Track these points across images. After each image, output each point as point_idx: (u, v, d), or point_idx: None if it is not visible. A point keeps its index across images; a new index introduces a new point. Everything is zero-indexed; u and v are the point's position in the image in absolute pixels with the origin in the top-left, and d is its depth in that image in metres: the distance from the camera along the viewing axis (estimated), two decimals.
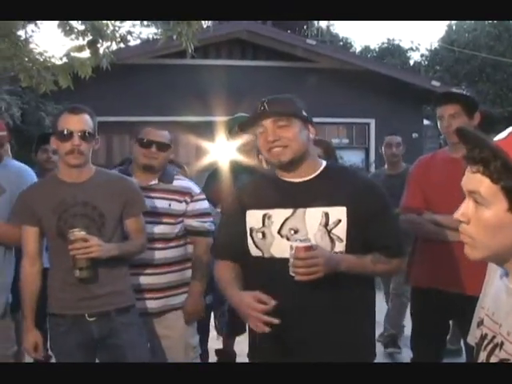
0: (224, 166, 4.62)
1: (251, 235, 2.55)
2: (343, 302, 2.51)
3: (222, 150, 5.01)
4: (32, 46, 4.56)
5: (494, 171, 1.36)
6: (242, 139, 4.36)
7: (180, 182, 3.63)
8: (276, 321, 2.28)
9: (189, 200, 3.57)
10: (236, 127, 4.73)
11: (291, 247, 2.31)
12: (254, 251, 2.55)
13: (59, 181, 3.11)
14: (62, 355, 3.16)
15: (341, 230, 2.45)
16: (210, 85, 10.82)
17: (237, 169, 4.26)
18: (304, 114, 2.51)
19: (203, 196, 3.70)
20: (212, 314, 4.72)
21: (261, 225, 2.53)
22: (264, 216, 2.52)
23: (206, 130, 8.43)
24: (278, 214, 2.51)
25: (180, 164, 4.73)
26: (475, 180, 1.40)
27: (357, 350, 2.53)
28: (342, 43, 24.55)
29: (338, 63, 12.07)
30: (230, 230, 2.68)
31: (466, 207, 1.44)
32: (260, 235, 2.53)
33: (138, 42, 15.08)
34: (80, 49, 4.42)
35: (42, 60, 4.50)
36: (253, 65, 12.18)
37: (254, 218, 2.55)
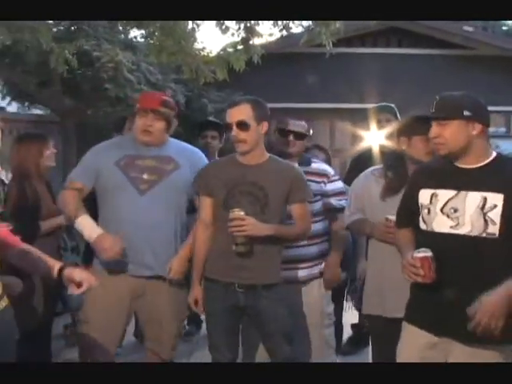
0: (371, 152, 4.91)
1: (421, 211, 2.92)
2: (490, 277, 2.73)
3: (373, 137, 5.30)
4: (193, 43, 5.06)
5: None
6: (389, 127, 4.65)
7: (317, 165, 4.00)
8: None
9: (326, 181, 3.93)
10: (380, 115, 5.06)
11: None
12: (422, 225, 2.92)
13: (235, 161, 3.46)
14: (211, 316, 3.52)
15: (495, 214, 2.74)
16: (366, 73, 11.00)
17: (385, 155, 4.55)
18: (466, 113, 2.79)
19: (338, 177, 4.06)
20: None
21: (428, 202, 2.88)
22: (432, 195, 2.88)
23: (362, 117, 8.65)
24: (444, 194, 2.85)
25: (323, 147, 5.06)
26: None
27: None
28: (506, 28, 23.33)
29: (498, 50, 11.80)
30: (407, 204, 3.07)
31: None
32: (426, 211, 2.89)
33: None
34: (234, 45, 4.86)
35: (201, 55, 4.99)
36: (410, 53, 12.17)
37: (424, 196, 2.91)
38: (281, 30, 6.19)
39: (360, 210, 3.71)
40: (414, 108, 4.91)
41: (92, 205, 3.88)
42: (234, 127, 3.35)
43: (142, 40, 9.82)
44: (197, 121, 9.08)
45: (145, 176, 3.56)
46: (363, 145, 6.09)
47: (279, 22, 5.59)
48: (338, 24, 4.66)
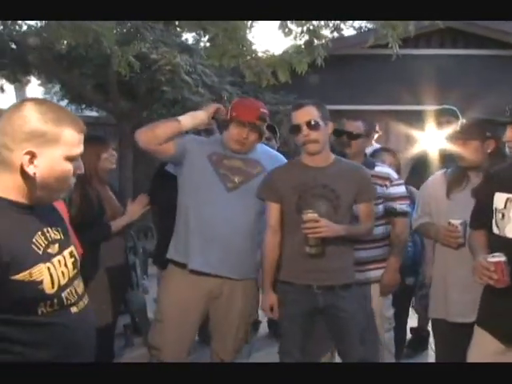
0: (432, 155, 4.88)
1: (495, 214, 2.89)
2: None
3: (431, 139, 5.27)
4: (255, 46, 5.08)
5: None
6: (450, 129, 4.62)
7: (380, 169, 3.99)
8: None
9: (388, 184, 3.92)
10: (442, 118, 5.03)
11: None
12: (495, 229, 2.90)
13: (302, 164, 3.52)
14: (288, 319, 3.54)
15: None
16: (421, 74, 10.88)
17: (445, 158, 4.52)
18: None
19: (401, 181, 4.06)
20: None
21: (503, 206, 2.84)
22: (507, 199, 2.84)
23: (417, 119, 8.61)
24: None
25: (390, 150, 5.03)
26: None
27: None
28: None
29: None
30: (482, 206, 3.06)
31: None
32: (500, 215, 2.86)
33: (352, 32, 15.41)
34: (297, 48, 4.87)
35: (264, 58, 5.01)
36: (464, 53, 11.98)
37: (499, 199, 2.88)
38: (332, 32, 6.20)
39: (427, 213, 3.73)
40: (469, 109, 4.90)
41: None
42: (304, 127, 3.39)
43: (198, 42, 9.93)
44: None
45: (232, 176, 3.61)
46: (418, 147, 6.05)
47: (330, 24, 5.59)
48: (410, 26, 4.60)
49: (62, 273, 2.04)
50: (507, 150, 3.10)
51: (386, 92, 11.07)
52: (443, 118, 5.08)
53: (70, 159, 2.02)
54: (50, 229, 2.07)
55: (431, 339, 5.21)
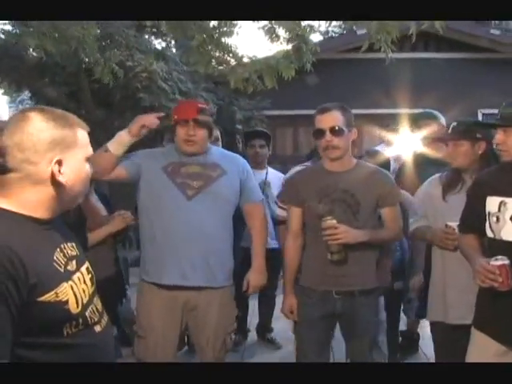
0: (410, 159, 4.88)
1: (488, 218, 2.86)
2: None
3: (407, 143, 5.27)
4: (241, 52, 5.03)
5: None
6: (427, 132, 4.63)
7: None
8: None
9: None
10: (420, 121, 5.03)
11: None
12: (489, 233, 2.87)
13: (324, 169, 3.47)
14: (304, 323, 3.52)
15: None
16: (394, 78, 10.93)
17: (423, 161, 4.52)
18: None
19: None
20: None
21: (497, 210, 2.82)
22: (501, 203, 2.81)
23: (391, 123, 8.64)
24: None
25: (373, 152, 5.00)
26: None
27: None
28: None
29: None
30: (472, 210, 3.03)
31: None
32: (495, 219, 2.83)
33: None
34: (285, 54, 4.84)
35: (250, 64, 4.97)
36: (436, 57, 12.08)
37: (492, 203, 2.85)
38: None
39: (423, 216, 3.72)
40: (441, 112, 4.91)
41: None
42: (327, 133, 3.34)
43: (169, 48, 9.86)
44: (226, 129, 9.15)
45: (191, 182, 3.53)
46: (399, 151, 6.06)
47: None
48: (412, 28, 4.57)
49: (83, 290, 1.95)
50: (498, 152, 3.08)
51: (359, 96, 11.10)
52: (422, 121, 5.07)
53: (88, 160, 1.98)
54: (66, 245, 1.98)
55: (421, 342, 5.25)
